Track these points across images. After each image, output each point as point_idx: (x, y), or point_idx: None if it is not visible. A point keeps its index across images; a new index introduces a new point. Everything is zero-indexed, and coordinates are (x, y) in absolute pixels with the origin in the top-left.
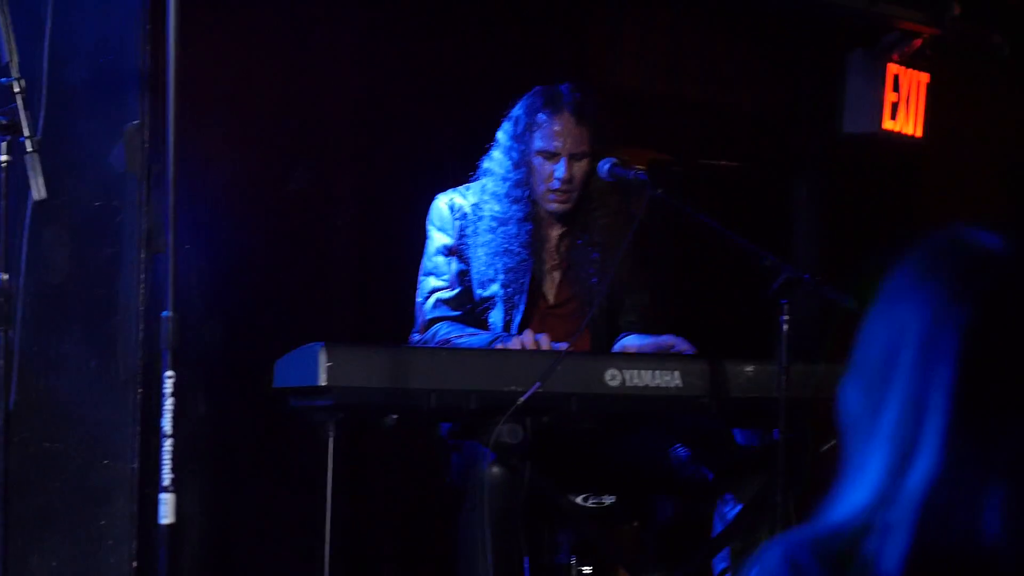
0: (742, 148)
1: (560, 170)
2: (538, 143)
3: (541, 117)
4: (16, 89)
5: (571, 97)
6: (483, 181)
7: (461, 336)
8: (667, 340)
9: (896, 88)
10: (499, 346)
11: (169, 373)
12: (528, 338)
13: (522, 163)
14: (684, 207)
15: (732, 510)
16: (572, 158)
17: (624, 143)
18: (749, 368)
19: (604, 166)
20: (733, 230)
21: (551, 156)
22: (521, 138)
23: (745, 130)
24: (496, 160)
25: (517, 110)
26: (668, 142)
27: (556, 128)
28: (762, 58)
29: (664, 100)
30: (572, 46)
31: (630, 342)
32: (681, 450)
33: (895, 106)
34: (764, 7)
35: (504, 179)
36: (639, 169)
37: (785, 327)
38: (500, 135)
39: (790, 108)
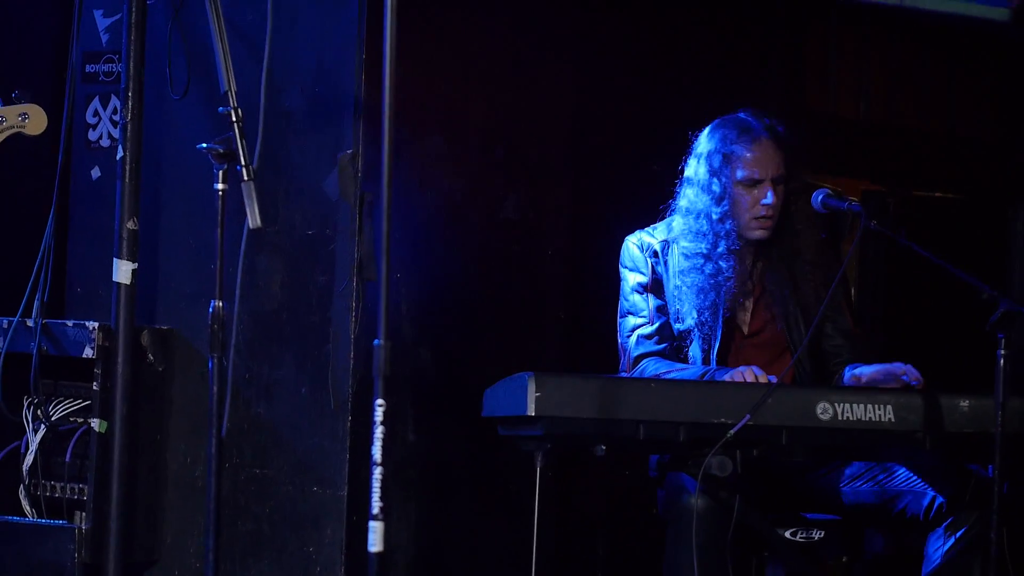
0: (958, 177)
1: (768, 196)
2: (740, 174)
3: (738, 148)
4: (233, 118)
5: (763, 123)
6: (676, 219)
7: (670, 372)
8: (898, 367)
9: None
10: (725, 378)
11: (380, 401)
12: (748, 372)
13: (724, 196)
14: (899, 238)
15: (943, 546)
16: (774, 182)
17: (839, 174)
18: (964, 403)
19: (818, 197)
20: (949, 262)
21: (754, 184)
22: (720, 172)
23: (961, 159)
24: (690, 197)
25: (707, 145)
26: (884, 172)
27: (757, 155)
28: (979, 84)
29: (878, 129)
30: (785, 74)
31: (860, 371)
32: (894, 483)
33: None
34: (980, 32)
35: (705, 215)
36: (853, 200)
37: (1002, 361)
38: (691, 172)
39: (1008, 136)
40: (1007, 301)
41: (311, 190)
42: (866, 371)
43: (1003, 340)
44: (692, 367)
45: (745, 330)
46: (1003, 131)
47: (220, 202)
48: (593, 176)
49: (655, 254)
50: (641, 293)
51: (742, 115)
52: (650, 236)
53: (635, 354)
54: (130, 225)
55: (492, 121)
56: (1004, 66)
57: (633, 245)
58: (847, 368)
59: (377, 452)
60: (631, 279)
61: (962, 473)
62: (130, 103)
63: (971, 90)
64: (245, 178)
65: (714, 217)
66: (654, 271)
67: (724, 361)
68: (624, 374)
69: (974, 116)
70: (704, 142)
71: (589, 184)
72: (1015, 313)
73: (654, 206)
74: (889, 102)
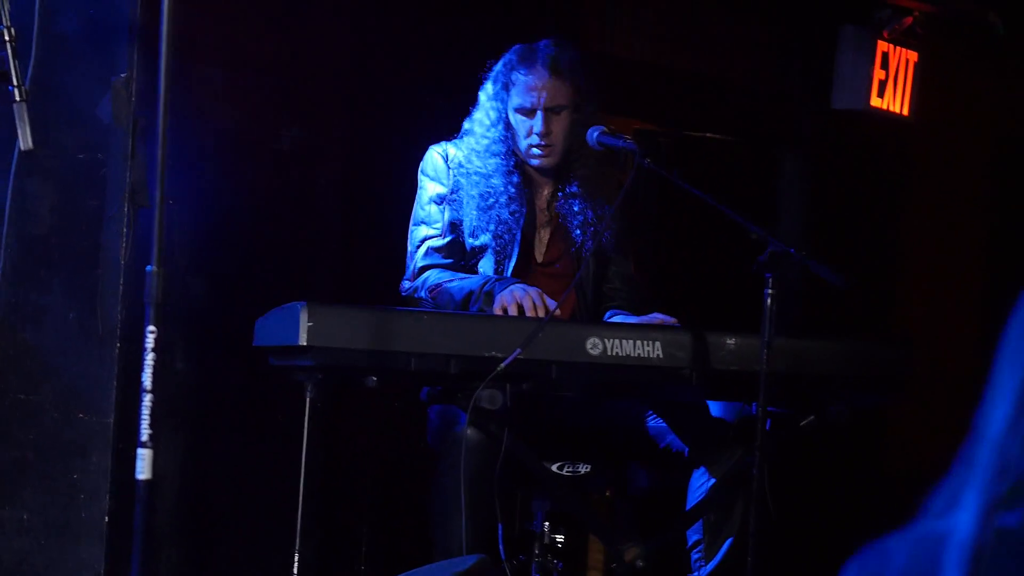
0: (731, 120)
1: (538, 124)
2: (515, 100)
3: (517, 75)
4: (6, 38)
5: (546, 52)
6: (467, 140)
7: (452, 281)
8: (655, 318)
9: (884, 66)
10: (489, 289)
11: (151, 328)
12: (527, 297)
13: (500, 121)
14: (671, 177)
15: (707, 482)
16: (550, 112)
17: (613, 112)
18: (731, 340)
19: (593, 134)
20: (720, 202)
21: (528, 112)
22: (498, 96)
23: (735, 103)
24: (476, 120)
25: (495, 69)
26: (658, 113)
27: (531, 83)
28: (755, 31)
29: (655, 70)
30: (564, 13)
31: (618, 321)
32: (658, 420)
33: (883, 84)
34: None
35: (484, 137)
36: (627, 138)
37: (769, 300)
38: (480, 95)
39: (782, 82)
40: (775, 242)
41: (84, 113)
42: (620, 321)
43: (770, 280)
44: (474, 277)
45: (539, 258)
46: (775, 78)
47: None
48: (369, 109)
49: (460, 165)
50: (438, 204)
51: (536, 44)
52: (456, 148)
53: (420, 264)
54: None
55: (269, 53)
56: (778, 15)
57: (437, 155)
58: (607, 314)
59: (147, 379)
60: (430, 189)
61: (701, 424)
62: None
63: (746, 37)
64: (17, 99)
65: (489, 140)
66: (456, 184)
67: None
68: (406, 282)
69: (748, 62)
70: (495, 67)
71: (365, 117)
72: (782, 254)
73: (428, 137)
74: (665, 44)
